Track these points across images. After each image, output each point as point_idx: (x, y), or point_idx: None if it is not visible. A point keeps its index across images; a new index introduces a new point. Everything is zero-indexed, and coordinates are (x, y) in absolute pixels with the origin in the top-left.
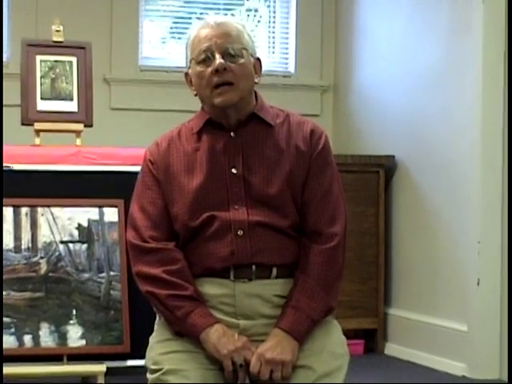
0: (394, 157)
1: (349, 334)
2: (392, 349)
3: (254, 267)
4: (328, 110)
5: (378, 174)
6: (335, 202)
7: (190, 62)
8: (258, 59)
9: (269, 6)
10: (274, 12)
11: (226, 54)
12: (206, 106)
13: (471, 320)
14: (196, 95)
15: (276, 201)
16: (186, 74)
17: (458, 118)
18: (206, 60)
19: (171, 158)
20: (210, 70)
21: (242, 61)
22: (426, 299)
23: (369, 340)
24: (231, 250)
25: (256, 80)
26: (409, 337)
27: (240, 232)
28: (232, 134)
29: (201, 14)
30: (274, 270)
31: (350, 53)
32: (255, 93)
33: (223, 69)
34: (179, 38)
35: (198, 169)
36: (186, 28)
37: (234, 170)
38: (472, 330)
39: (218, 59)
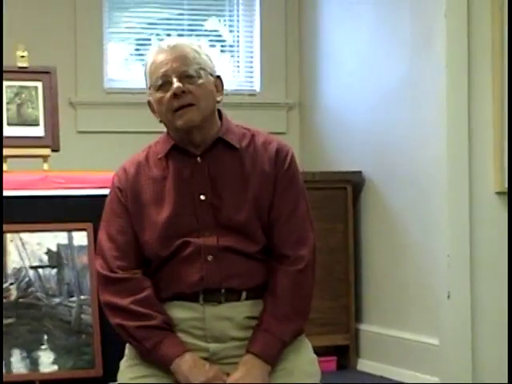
0: (361, 172)
1: (321, 351)
2: (364, 364)
3: (223, 291)
4: (294, 128)
5: (346, 190)
6: (301, 224)
7: (150, 88)
8: (219, 77)
9: (232, 26)
10: (238, 31)
11: (183, 77)
12: (171, 131)
13: (443, 333)
14: (161, 121)
15: (245, 227)
16: (149, 102)
17: (423, 133)
18: (164, 85)
19: (140, 185)
20: (168, 94)
21: (200, 81)
22: (397, 314)
23: (341, 356)
24: (201, 276)
25: (218, 98)
26: (381, 352)
27: (209, 257)
28: (198, 159)
29: (164, 35)
30: (244, 294)
31: (315, 70)
32: (219, 112)
33: (181, 92)
34: (143, 60)
35: (166, 198)
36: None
37: (202, 197)
38: (443, 344)
39: (176, 83)
